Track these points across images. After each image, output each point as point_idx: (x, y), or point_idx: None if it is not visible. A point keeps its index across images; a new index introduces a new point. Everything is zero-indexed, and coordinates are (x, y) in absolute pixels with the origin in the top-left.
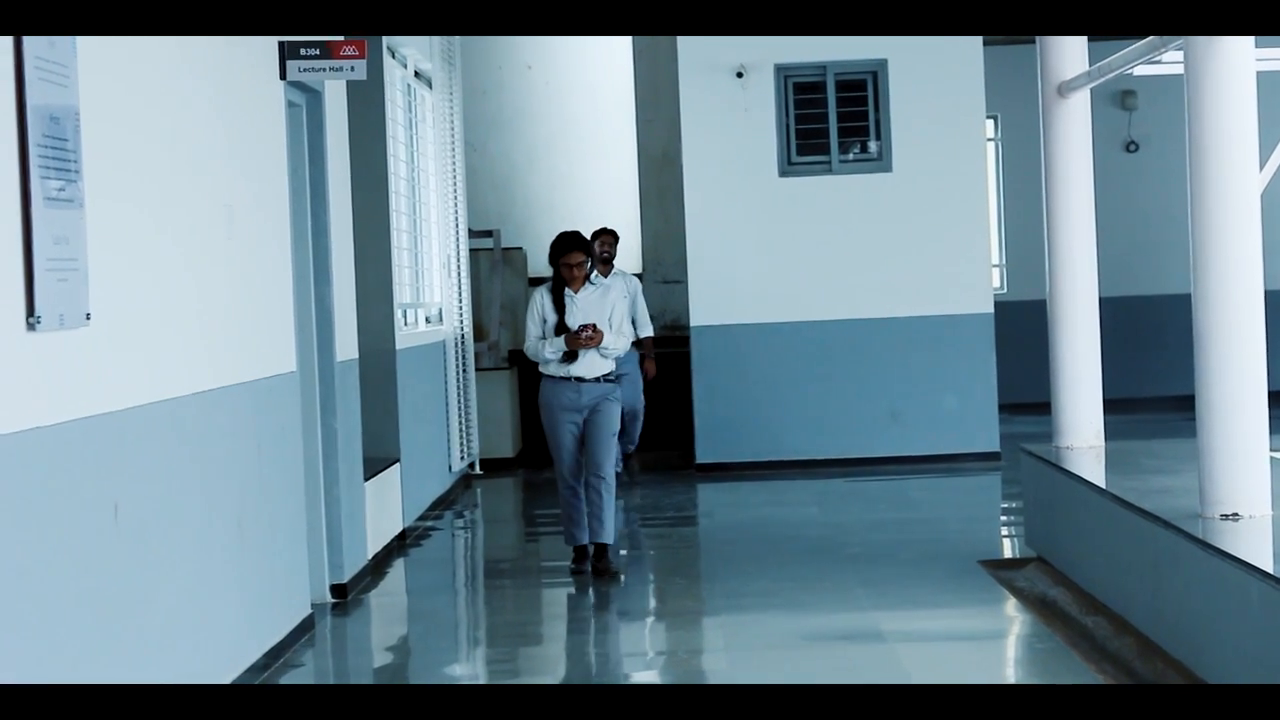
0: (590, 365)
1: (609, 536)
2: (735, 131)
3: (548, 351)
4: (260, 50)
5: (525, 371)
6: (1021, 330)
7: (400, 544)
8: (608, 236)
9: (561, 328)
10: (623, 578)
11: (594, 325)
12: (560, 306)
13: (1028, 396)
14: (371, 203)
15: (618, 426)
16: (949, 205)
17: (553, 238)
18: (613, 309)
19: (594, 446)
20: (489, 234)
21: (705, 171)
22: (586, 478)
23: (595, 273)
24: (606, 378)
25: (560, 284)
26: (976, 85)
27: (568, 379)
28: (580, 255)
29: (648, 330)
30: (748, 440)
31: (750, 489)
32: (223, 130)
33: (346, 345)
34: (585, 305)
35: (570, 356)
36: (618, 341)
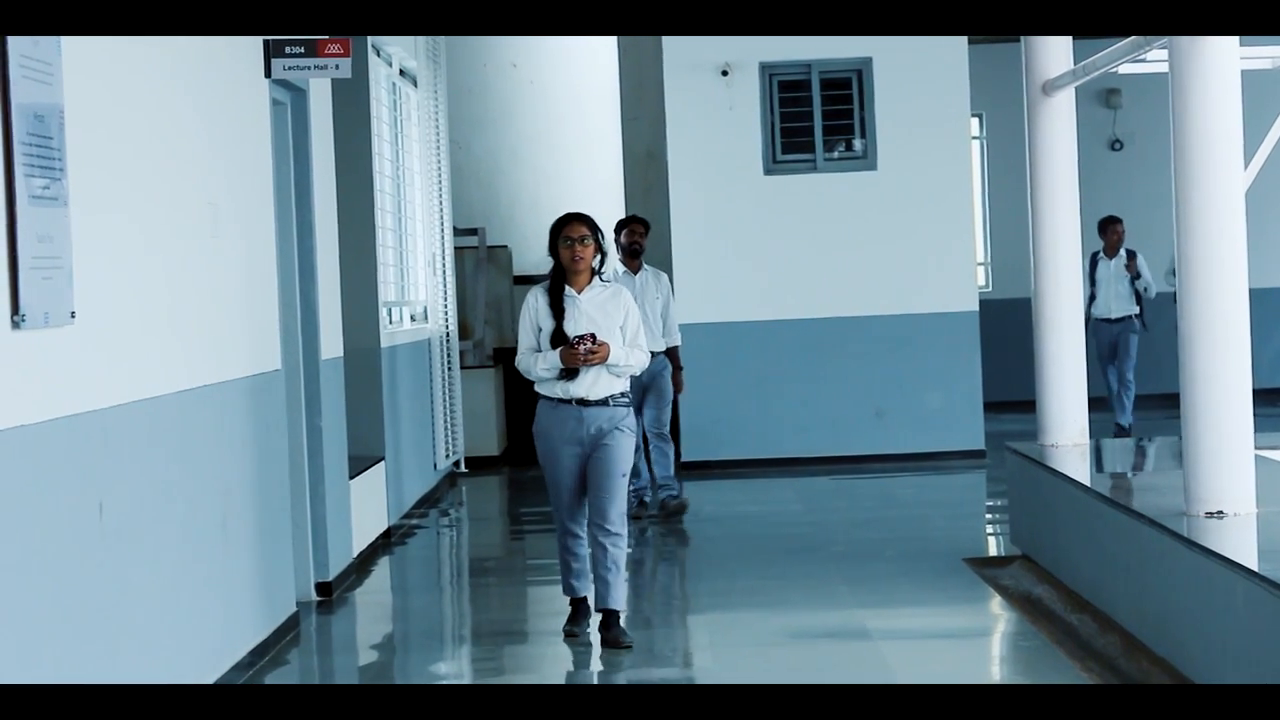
0: (596, 384)
1: (617, 602)
2: (720, 130)
3: (540, 368)
4: (245, 48)
5: (510, 369)
6: (1006, 328)
7: (385, 542)
8: (638, 226)
9: (559, 337)
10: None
11: (593, 335)
12: (559, 310)
13: (1012, 394)
14: (356, 201)
15: (629, 465)
16: (934, 203)
17: (540, 238)
18: (626, 314)
19: (597, 491)
20: (474, 232)
21: (690, 169)
22: (590, 529)
23: (606, 268)
24: (617, 399)
25: (559, 283)
26: (961, 84)
27: (567, 401)
28: (583, 228)
29: (676, 338)
30: (733, 438)
31: (735, 487)
32: (207, 128)
33: (331, 343)
34: (590, 308)
35: (569, 373)
36: (631, 356)
